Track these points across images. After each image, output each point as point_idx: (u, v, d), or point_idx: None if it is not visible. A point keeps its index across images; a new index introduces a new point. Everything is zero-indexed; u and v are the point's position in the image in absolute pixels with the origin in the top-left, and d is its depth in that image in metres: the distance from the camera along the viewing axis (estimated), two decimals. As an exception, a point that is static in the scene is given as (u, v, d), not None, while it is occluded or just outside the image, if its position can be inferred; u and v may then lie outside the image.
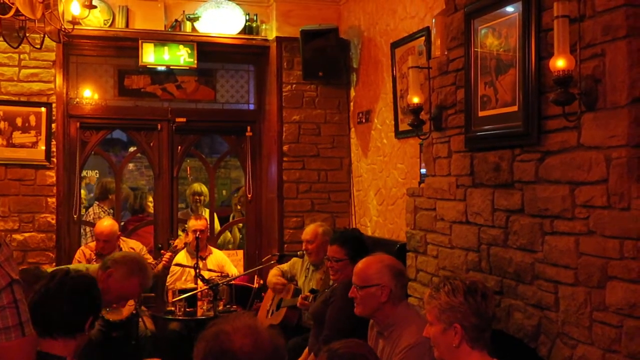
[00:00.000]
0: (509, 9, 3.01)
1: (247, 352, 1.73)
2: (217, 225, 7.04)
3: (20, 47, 4.32)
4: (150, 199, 7.38)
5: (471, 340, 2.43)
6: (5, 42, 4.14)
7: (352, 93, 6.22)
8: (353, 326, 3.34)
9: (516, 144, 2.95)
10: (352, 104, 6.24)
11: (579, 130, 2.55)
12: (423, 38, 4.67)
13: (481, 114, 3.25)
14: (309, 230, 4.95)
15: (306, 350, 4.05)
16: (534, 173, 2.82)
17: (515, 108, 2.95)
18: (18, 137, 5.56)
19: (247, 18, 6.28)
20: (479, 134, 3.25)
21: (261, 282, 5.47)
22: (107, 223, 5.55)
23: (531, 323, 2.82)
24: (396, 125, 5.19)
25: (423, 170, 4.47)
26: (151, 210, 7.16)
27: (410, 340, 2.83)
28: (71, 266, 3.81)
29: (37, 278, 2.83)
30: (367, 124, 5.87)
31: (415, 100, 3.67)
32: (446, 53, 3.64)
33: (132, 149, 7.33)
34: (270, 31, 6.31)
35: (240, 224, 7.33)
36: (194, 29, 6.16)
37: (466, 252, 3.41)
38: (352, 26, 6.12)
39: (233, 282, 5.27)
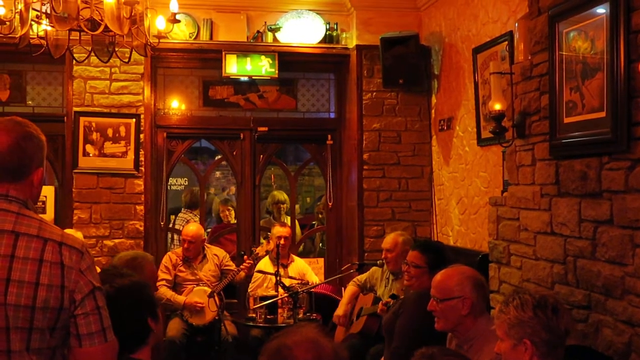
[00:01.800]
0: (596, 10, 2.88)
1: None
2: (298, 233, 7.10)
3: (110, 61, 4.52)
4: (229, 207, 7.55)
5: (542, 356, 2.33)
6: (96, 57, 4.34)
7: (433, 100, 6.13)
8: (423, 337, 3.27)
9: (604, 151, 2.82)
10: (433, 111, 6.15)
11: (672, 137, 2.40)
12: (506, 43, 4.54)
13: (567, 120, 3.13)
14: (389, 239, 4.90)
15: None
16: (624, 182, 2.68)
17: (603, 114, 2.82)
18: (109, 147, 5.81)
19: (328, 27, 6.32)
20: (564, 141, 3.13)
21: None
22: (193, 226, 5.77)
23: (621, 340, 2.68)
24: (478, 133, 5.07)
25: (506, 179, 4.34)
26: (230, 219, 7.33)
27: (491, 356, 2.73)
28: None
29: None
30: (448, 132, 5.77)
31: (497, 106, 3.58)
32: (529, 58, 3.53)
33: (218, 157, 7.52)
34: (351, 39, 6.32)
35: (321, 232, 7.36)
36: (275, 39, 6.25)
37: (551, 264, 3.28)
38: (433, 32, 6.04)
39: (313, 290, 5.28)
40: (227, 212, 7.57)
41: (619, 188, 2.72)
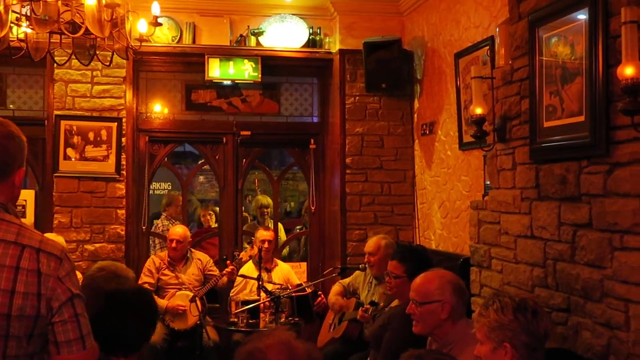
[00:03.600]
0: (576, 15, 2.90)
1: None
2: (282, 236, 7.09)
3: (92, 64, 4.49)
4: (210, 211, 7.52)
5: (522, 358, 2.34)
6: (77, 60, 4.30)
7: (416, 104, 6.16)
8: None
9: (583, 155, 2.83)
10: (415, 115, 6.18)
11: (649, 141, 2.42)
12: (487, 48, 4.58)
13: (546, 124, 3.15)
14: (371, 243, 4.90)
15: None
16: (602, 186, 2.70)
17: (582, 118, 2.84)
18: (90, 150, 5.77)
19: (311, 31, 6.33)
20: (544, 145, 3.15)
21: (312, 286, 5.44)
22: (180, 227, 5.78)
23: (600, 343, 2.70)
24: (460, 137, 5.10)
25: (487, 183, 4.37)
26: (211, 224, 7.29)
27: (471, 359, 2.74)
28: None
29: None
30: (430, 136, 5.80)
31: (478, 111, 3.60)
32: (510, 62, 3.55)
33: (201, 161, 7.49)
34: (334, 44, 6.33)
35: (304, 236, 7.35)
36: (258, 43, 6.25)
37: (531, 268, 3.29)
38: (416, 37, 6.07)
39: (294, 294, 5.27)
40: (207, 217, 7.54)
41: (597, 192, 2.74)
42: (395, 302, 4.06)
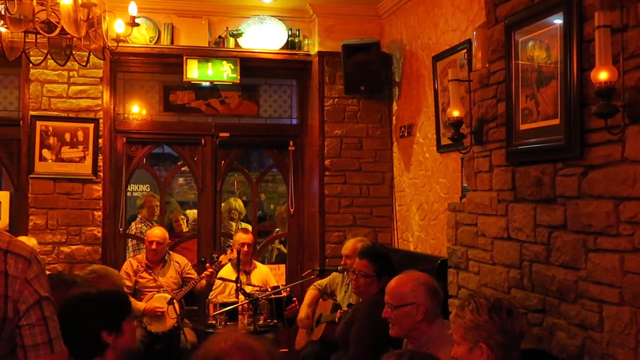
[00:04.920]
0: (551, 20, 2.94)
1: None
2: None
3: (68, 64, 4.44)
4: (181, 216, 7.46)
5: (498, 358, 2.36)
6: (53, 60, 4.25)
7: (394, 107, 6.18)
8: (378, 343, 3.28)
9: (558, 157, 2.87)
10: (394, 117, 6.20)
11: (623, 144, 2.46)
12: (464, 51, 4.61)
13: (522, 127, 3.18)
14: (348, 245, 4.92)
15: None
16: (577, 188, 2.74)
17: (557, 121, 2.88)
18: (66, 152, 5.71)
19: (290, 33, 6.33)
20: (520, 147, 3.18)
21: (288, 290, 5.43)
22: (158, 229, 5.74)
23: (575, 343, 2.73)
24: (438, 139, 5.13)
25: (465, 185, 4.40)
26: (182, 228, 7.25)
27: (447, 360, 2.76)
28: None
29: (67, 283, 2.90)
30: (409, 138, 5.82)
31: (456, 113, 3.63)
32: (487, 66, 3.58)
33: (180, 163, 7.44)
34: (313, 46, 6.33)
35: (282, 238, 7.35)
36: (237, 44, 6.23)
37: (508, 269, 3.32)
38: (394, 40, 6.10)
39: (273, 296, 5.25)
40: (180, 221, 7.49)
41: (572, 194, 2.77)
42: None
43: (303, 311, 5.15)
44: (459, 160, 4.68)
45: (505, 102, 3.32)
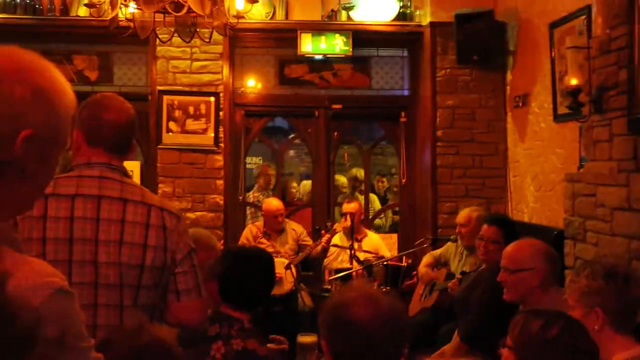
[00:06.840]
0: (679, -18, 2.83)
1: (368, 320, 1.77)
2: (377, 206, 7.31)
3: (191, 41, 4.72)
4: (295, 184, 7.70)
5: (613, 324, 2.35)
6: (179, 38, 4.54)
7: (508, 76, 6.07)
8: (500, 312, 3.32)
9: (684, 125, 2.78)
10: (508, 87, 6.09)
11: None
12: (584, 17, 4.46)
13: (646, 94, 3.09)
14: (463, 214, 4.95)
15: (455, 335, 4.04)
16: None
17: (683, 88, 2.79)
18: (190, 124, 6.06)
19: (401, 4, 6.34)
20: (643, 115, 3.10)
21: (409, 261, 5.53)
22: (276, 201, 6.00)
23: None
24: (554, 109, 5.02)
25: (583, 155, 4.30)
26: (295, 197, 7.50)
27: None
28: None
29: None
30: (523, 108, 5.72)
31: (574, 81, 3.57)
32: (608, 32, 3.48)
33: (291, 136, 7.68)
34: (424, 16, 6.31)
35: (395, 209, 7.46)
36: (349, 17, 6.32)
37: (629, 240, 3.26)
38: (508, 8, 5.97)
39: (387, 263, 5.38)
40: (292, 190, 7.75)
41: (699, 163, 2.69)
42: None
43: (422, 269, 5.24)
44: (577, 130, 4.57)
45: (627, 68, 3.24)
